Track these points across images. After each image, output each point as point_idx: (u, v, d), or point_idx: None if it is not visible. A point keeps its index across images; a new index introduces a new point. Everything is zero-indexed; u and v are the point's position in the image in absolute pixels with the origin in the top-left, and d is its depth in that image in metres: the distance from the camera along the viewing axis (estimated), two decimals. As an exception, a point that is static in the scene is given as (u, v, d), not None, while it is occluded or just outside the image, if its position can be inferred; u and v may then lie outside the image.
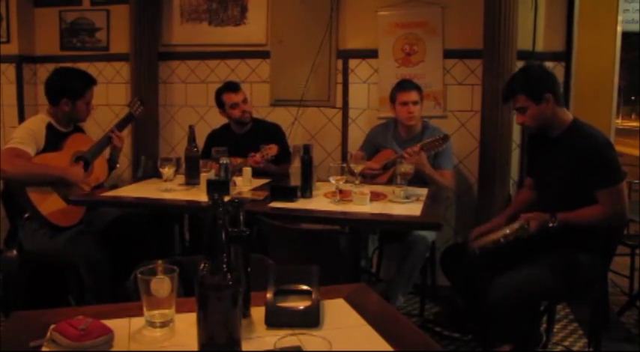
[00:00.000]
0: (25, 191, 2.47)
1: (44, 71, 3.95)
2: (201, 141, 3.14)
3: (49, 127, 2.62)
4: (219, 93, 3.18)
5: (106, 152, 2.86)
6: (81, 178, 2.61)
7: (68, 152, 2.64)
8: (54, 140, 2.61)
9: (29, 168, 2.46)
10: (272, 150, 2.83)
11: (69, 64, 3.82)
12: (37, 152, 2.54)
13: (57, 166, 2.54)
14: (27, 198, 2.47)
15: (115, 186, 2.80)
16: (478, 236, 2.38)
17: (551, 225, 2.11)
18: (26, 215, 2.57)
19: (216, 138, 3.24)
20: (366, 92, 3.56)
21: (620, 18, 3.85)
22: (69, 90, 2.64)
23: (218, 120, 3.52)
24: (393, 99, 3.04)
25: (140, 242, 2.67)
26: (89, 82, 2.71)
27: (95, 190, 2.68)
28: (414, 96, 2.98)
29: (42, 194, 2.50)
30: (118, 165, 2.97)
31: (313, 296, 1.23)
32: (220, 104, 3.18)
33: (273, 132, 3.24)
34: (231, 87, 3.16)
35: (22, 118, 3.84)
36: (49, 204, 2.51)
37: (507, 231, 2.17)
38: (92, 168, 2.71)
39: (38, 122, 2.62)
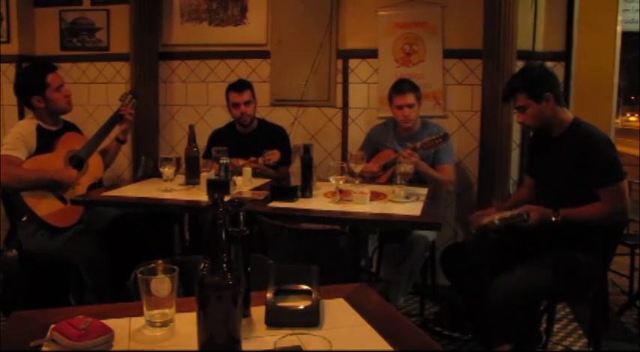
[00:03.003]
0: (20, 195, 2.46)
1: (44, 71, 3.95)
2: (202, 141, 3.14)
3: (39, 129, 2.60)
4: (227, 89, 3.18)
5: (103, 145, 2.85)
6: (74, 180, 2.58)
7: (61, 152, 2.62)
8: (45, 141, 2.60)
9: (22, 175, 2.45)
10: (274, 156, 2.81)
11: (69, 64, 3.85)
12: (29, 155, 2.52)
13: (49, 170, 2.52)
14: (23, 203, 2.47)
15: (114, 186, 2.80)
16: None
17: (553, 219, 2.11)
18: (24, 218, 2.57)
19: (219, 137, 3.24)
20: (366, 92, 3.56)
21: (620, 18, 3.84)
22: (31, 87, 2.61)
23: (218, 119, 3.53)
24: (390, 100, 3.04)
25: (140, 242, 2.66)
26: (45, 68, 2.64)
27: (93, 189, 2.67)
28: (409, 98, 2.96)
29: (37, 197, 2.49)
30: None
31: (313, 296, 1.23)
32: (227, 99, 3.18)
33: (277, 135, 3.23)
34: (237, 86, 3.15)
35: (22, 118, 3.83)
36: (46, 206, 2.51)
37: (507, 215, 2.15)
38: (87, 165, 2.70)
39: (27, 125, 2.61)
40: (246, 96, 3.12)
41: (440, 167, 2.92)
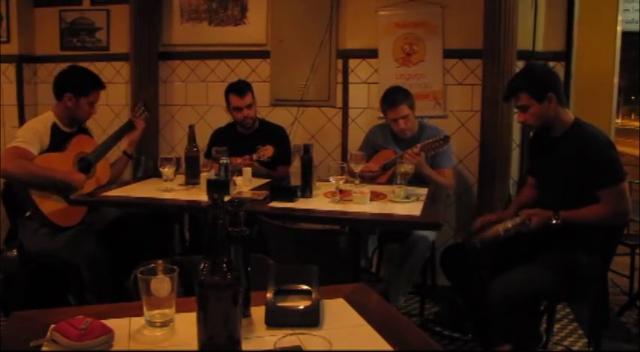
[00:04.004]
0: (27, 190, 2.47)
1: (44, 71, 3.95)
2: (203, 140, 3.14)
3: (54, 127, 2.62)
4: (227, 91, 3.15)
5: (110, 154, 2.86)
6: (82, 184, 2.60)
7: (71, 153, 2.63)
8: (58, 140, 2.61)
9: (32, 169, 2.45)
10: (267, 151, 2.81)
11: (69, 64, 3.85)
12: (40, 151, 2.53)
13: (60, 170, 2.53)
14: (29, 197, 2.47)
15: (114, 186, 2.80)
16: (483, 225, 2.38)
17: (554, 222, 2.11)
18: (27, 214, 2.57)
19: (220, 136, 3.24)
20: (366, 92, 3.56)
21: (620, 18, 3.85)
22: (75, 86, 2.63)
23: (218, 119, 3.53)
24: (383, 112, 3.00)
25: (140, 242, 2.67)
26: (97, 84, 2.70)
27: (96, 190, 2.68)
28: (402, 111, 2.89)
29: (44, 193, 2.50)
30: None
31: (313, 296, 1.23)
32: (227, 101, 3.17)
33: (277, 135, 3.22)
34: (238, 90, 3.09)
35: (22, 118, 3.84)
36: (51, 203, 2.52)
37: (509, 225, 2.17)
38: (94, 170, 2.71)
39: (44, 122, 2.62)
40: (247, 99, 3.09)
41: (439, 171, 2.90)
